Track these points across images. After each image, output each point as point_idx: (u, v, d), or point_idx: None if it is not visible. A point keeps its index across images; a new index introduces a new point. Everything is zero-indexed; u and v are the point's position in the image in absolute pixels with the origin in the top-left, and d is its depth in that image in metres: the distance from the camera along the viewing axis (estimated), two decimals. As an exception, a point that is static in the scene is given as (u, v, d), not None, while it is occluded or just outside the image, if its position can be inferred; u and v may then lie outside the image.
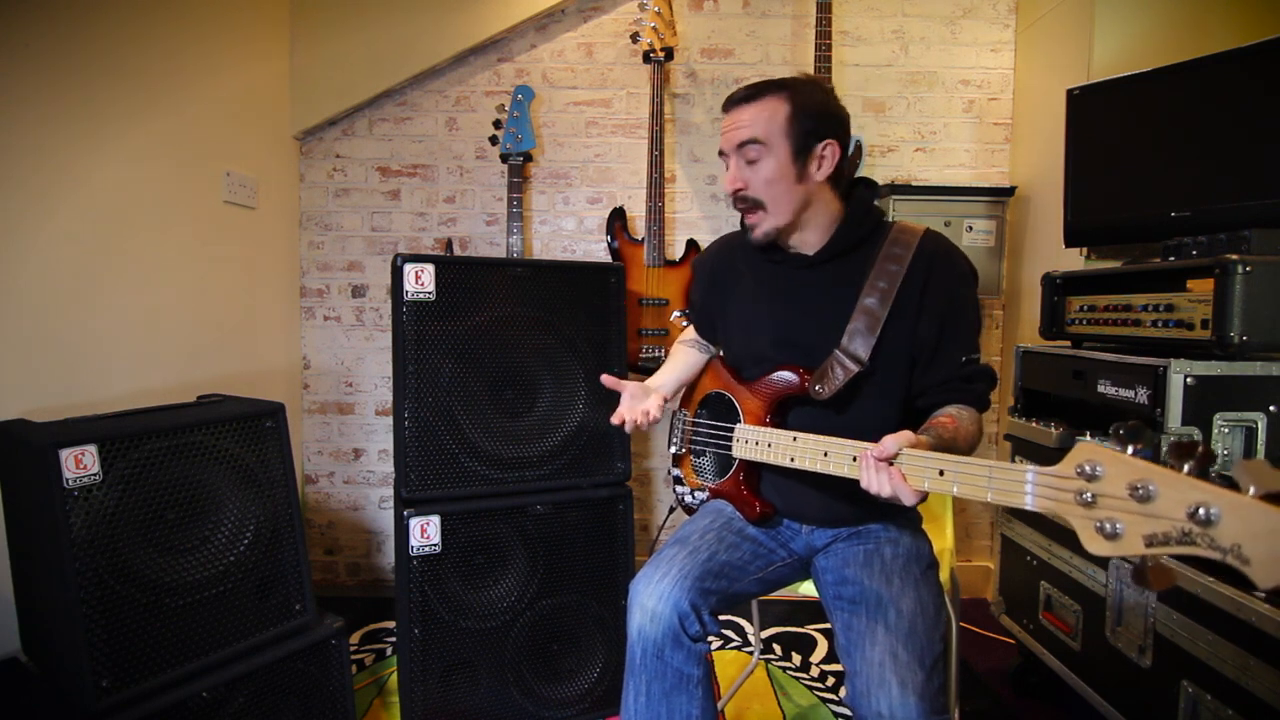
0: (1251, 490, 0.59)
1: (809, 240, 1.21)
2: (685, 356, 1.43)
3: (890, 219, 1.21)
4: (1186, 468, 0.63)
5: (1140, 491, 0.65)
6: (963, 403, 1.13)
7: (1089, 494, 0.70)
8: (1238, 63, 1.44)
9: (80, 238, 1.56)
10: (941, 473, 0.88)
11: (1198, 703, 1.19)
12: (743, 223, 1.27)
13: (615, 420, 1.31)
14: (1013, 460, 1.72)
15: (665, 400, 1.32)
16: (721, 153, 1.20)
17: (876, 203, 1.23)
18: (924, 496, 0.92)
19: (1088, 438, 1.44)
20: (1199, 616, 1.20)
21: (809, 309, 1.20)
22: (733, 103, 1.17)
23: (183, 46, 1.84)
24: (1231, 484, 0.61)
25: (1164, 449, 0.66)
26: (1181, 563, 1.19)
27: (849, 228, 1.18)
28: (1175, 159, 1.55)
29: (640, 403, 1.29)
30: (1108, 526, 0.67)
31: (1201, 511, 0.60)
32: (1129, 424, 0.69)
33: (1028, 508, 0.78)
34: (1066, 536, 1.59)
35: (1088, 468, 0.71)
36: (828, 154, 1.15)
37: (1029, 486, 0.79)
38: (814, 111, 1.13)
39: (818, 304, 1.19)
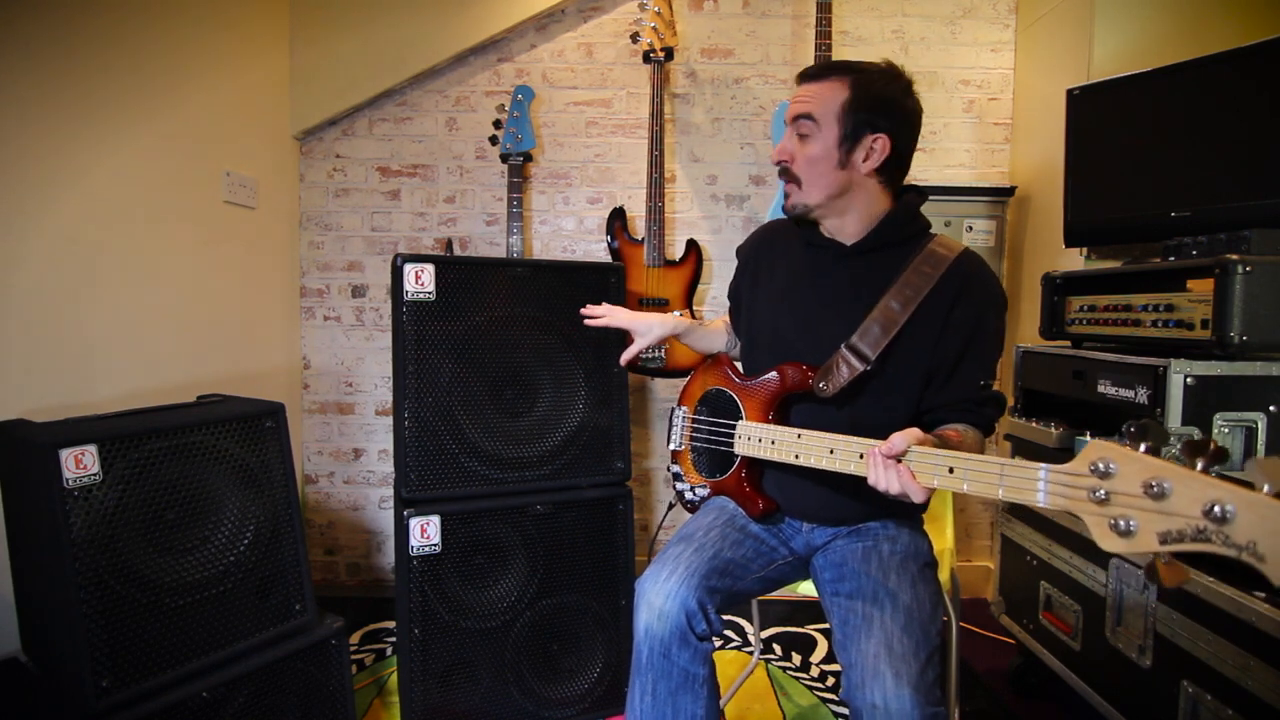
0: (1266, 488, 0.59)
1: (848, 229, 1.20)
2: (715, 328, 1.47)
3: (933, 231, 1.21)
4: (1199, 465, 0.64)
5: (1155, 489, 0.65)
6: (971, 424, 1.13)
7: (1102, 491, 0.70)
8: (1237, 63, 1.44)
9: (80, 238, 1.56)
10: (951, 470, 0.88)
11: (1198, 703, 1.19)
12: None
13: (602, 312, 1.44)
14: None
15: (656, 337, 1.41)
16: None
17: None
18: (931, 493, 0.92)
19: (1088, 438, 1.44)
20: (1199, 616, 1.20)
21: (832, 298, 1.20)
22: (803, 78, 1.18)
23: (183, 46, 1.84)
24: (1245, 483, 0.61)
25: (1176, 447, 0.66)
26: (1192, 562, 1.19)
27: (890, 224, 1.18)
28: (1175, 159, 1.55)
29: (631, 323, 1.41)
30: (1121, 524, 0.68)
31: (1217, 509, 0.60)
32: (1140, 421, 0.69)
33: (1040, 505, 0.79)
34: (1067, 536, 1.59)
35: (1101, 465, 0.71)
36: (877, 147, 1.14)
37: (1041, 484, 0.79)
38: (873, 101, 1.13)
39: (841, 295, 1.18)
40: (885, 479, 0.93)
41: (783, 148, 1.18)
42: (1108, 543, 0.70)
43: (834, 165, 1.14)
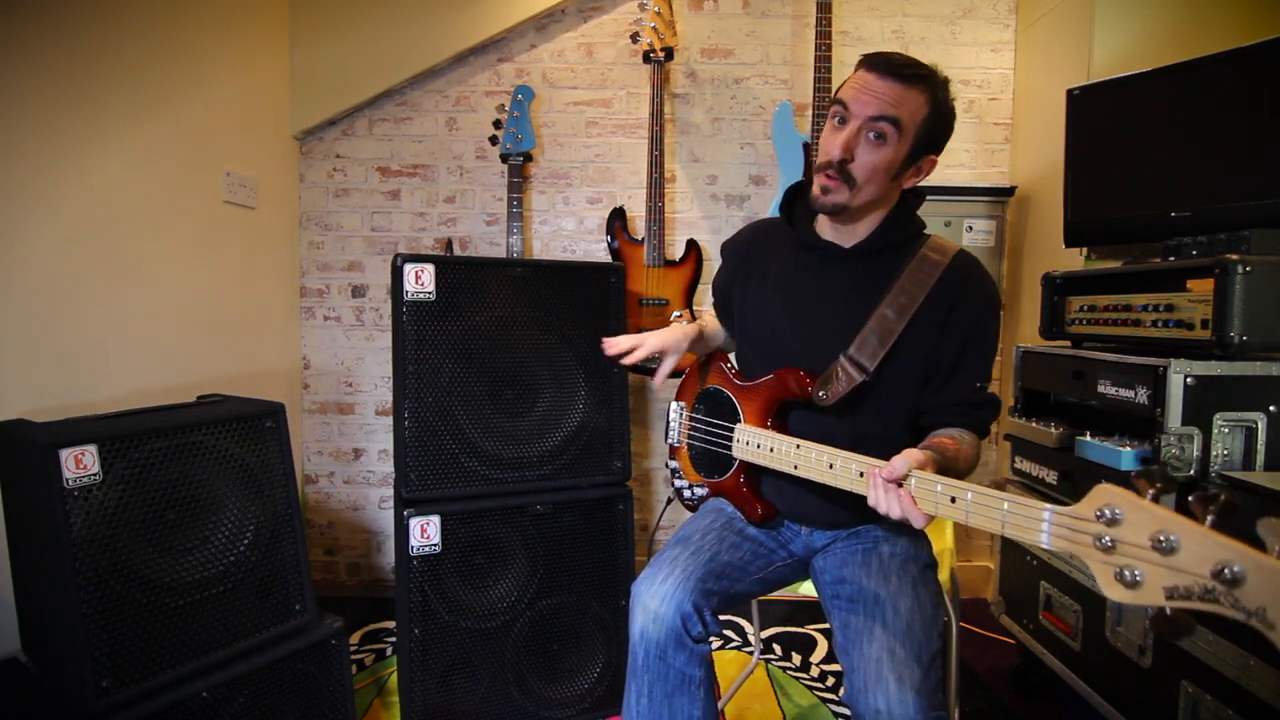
0: (1278, 549, 0.57)
1: (856, 233, 1.17)
2: (715, 326, 1.41)
3: (927, 231, 1.19)
4: (1209, 519, 0.61)
5: (1163, 543, 0.63)
6: (966, 427, 1.12)
7: (1108, 539, 0.68)
8: (1237, 63, 1.43)
9: (80, 238, 1.56)
10: (954, 499, 0.85)
11: (1198, 703, 1.19)
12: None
13: (627, 343, 1.28)
14: (1012, 462, 1.72)
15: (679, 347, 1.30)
16: (839, 101, 1.08)
17: None
18: (932, 518, 0.90)
19: (1088, 437, 1.44)
20: (1199, 616, 1.19)
21: (828, 304, 1.18)
22: (886, 68, 1.05)
23: (183, 46, 1.83)
24: (1258, 540, 0.59)
25: (1189, 498, 0.64)
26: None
27: (890, 227, 1.16)
28: (1175, 159, 1.55)
29: (664, 345, 1.28)
30: (1127, 574, 0.66)
31: (1227, 571, 0.58)
32: (1150, 468, 0.68)
33: (1043, 546, 0.77)
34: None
35: (1108, 512, 0.68)
36: (925, 168, 1.12)
37: (1046, 525, 0.76)
38: (942, 122, 1.09)
39: (838, 301, 1.16)
40: (886, 502, 0.91)
41: (847, 143, 1.06)
42: (1113, 592, 0.68)
43: (890, 176, 1.09)
